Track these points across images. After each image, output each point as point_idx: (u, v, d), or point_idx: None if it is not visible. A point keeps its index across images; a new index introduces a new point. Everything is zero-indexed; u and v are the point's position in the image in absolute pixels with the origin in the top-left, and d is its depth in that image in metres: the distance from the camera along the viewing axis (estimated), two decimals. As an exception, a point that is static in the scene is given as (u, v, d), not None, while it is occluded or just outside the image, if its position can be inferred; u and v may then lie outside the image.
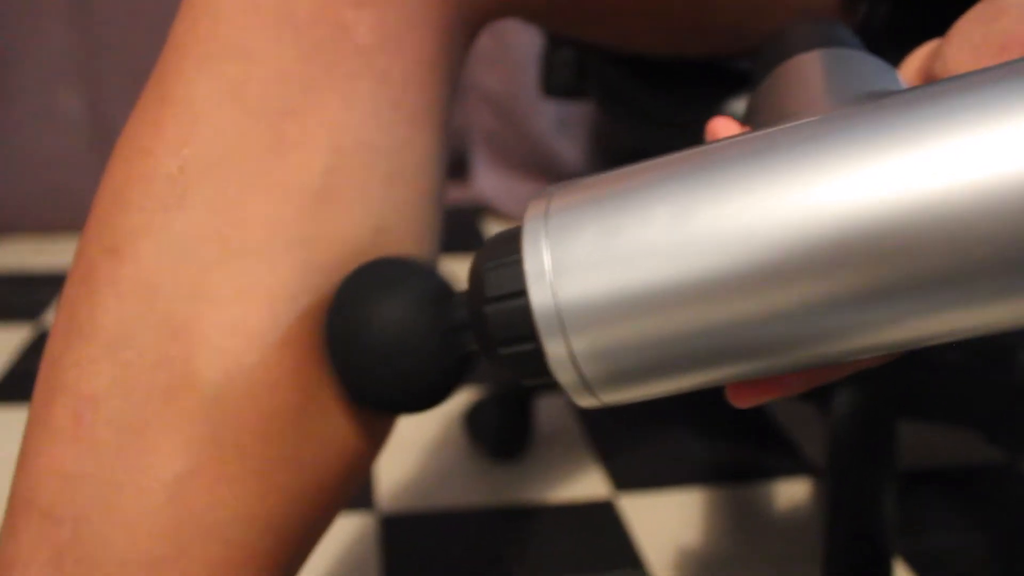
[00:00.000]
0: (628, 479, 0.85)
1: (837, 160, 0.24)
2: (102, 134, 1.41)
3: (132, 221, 0.33)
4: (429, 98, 0.37)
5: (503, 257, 0.28)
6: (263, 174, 0.33)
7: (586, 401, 0.28)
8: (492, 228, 1.51)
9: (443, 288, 0.33)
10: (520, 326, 0.27)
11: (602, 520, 0.79)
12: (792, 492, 0.83)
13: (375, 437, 0.36)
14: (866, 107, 0.25)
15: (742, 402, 0.28)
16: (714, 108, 0.59)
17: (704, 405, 0.97)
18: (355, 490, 0.37)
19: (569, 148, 1.48)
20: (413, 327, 0.31)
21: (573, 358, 0.26)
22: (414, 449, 0.89)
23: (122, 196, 0.34)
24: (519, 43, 1.42)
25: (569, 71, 0.80)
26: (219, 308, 0.32)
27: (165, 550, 0.32)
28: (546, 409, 0.96)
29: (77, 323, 0.33)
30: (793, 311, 0.25)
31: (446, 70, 0.39)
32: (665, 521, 0.79)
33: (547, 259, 0.26)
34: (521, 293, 0.27)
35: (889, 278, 0.24)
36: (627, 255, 0.26)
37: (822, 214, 0.24)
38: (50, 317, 1.19)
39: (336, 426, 0.34)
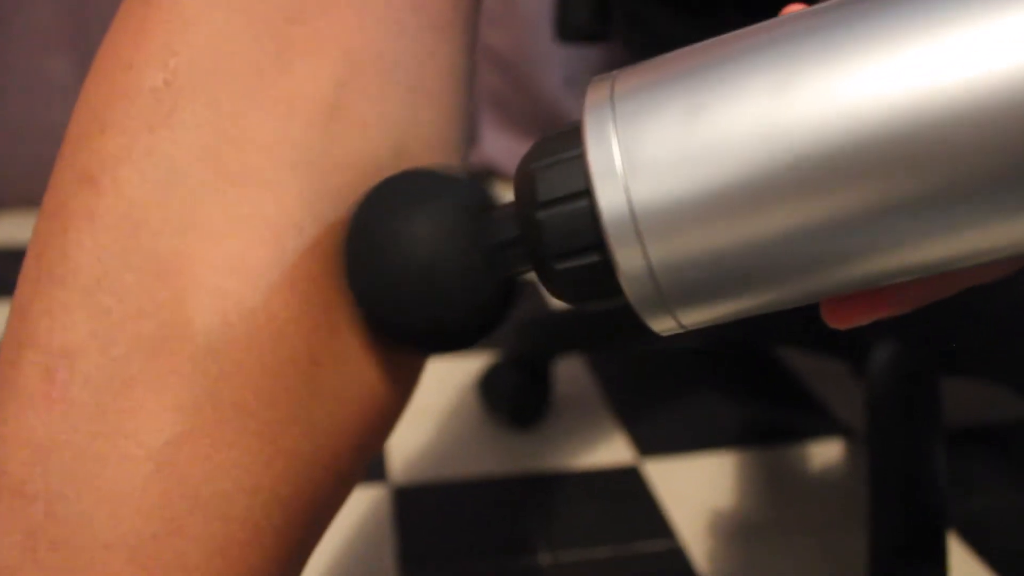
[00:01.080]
0: (653, 444, 0.81)
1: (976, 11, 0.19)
2: (93, 100, 1.36)
3: (111, 144, 0.28)
4: (454, 4, 0.32)
5: (558, 153, 0.23)
6: (264, 87, 0.29)
7: (661, 324, 0.23)
8: (499, 192, 1.47)
9: (484, 200, 0.28)
10: (582, 233, 0.23)
11: (627, 487, 0.75)
12: (825, 454, 0.80)
13: (398, 392, 0.32)
14: None
15: (841, 322, 0.24)
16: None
17: (726, 364, 0.94)
18: (374, 454, 0.33)
19: (577, 108, 1.44)
20: (451, 244, 0.26)
21: (650, 270, 0.22)
22: (427, 417, 0.85)
23: (100, 116, 0.29)
24: (525, 1, 1.37)
25: (587, 12, 0.75)
26: (214, 243, 0.28)
27: (155, 528, 0.27)
28: (564, 372, 0.92)
29: (48, 265, 0.28)
30: (923, 198, 0.20)
31: None
32: (694, 487, 0.76)
33: (616, 151, 0.22)
34: (582, 194, 0.23)
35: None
36: (717, 139, 0.21)
37: (965, 81, 0.19)
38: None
39: (353, 379, 0.30)
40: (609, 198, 0.22)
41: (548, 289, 0.25)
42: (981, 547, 0.69)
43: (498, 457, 0.79)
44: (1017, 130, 0.19)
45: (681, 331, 0.24)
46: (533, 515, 0.72)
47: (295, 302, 0.28)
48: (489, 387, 0.84)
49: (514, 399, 0.82)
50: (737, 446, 0.81)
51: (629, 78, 0.23)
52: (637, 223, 0.22)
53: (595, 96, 0.23)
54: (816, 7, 0.22)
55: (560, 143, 0.24)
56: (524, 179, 0.24)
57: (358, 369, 0.30)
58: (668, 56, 0.23)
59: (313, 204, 0.29)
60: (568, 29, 0.75)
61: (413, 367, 0.33)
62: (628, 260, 0.22)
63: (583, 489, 0.75)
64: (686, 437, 0.82)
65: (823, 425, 0.84)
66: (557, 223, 0.23)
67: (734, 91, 0.21)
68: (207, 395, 0.27)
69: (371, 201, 0.28)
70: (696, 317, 0.23)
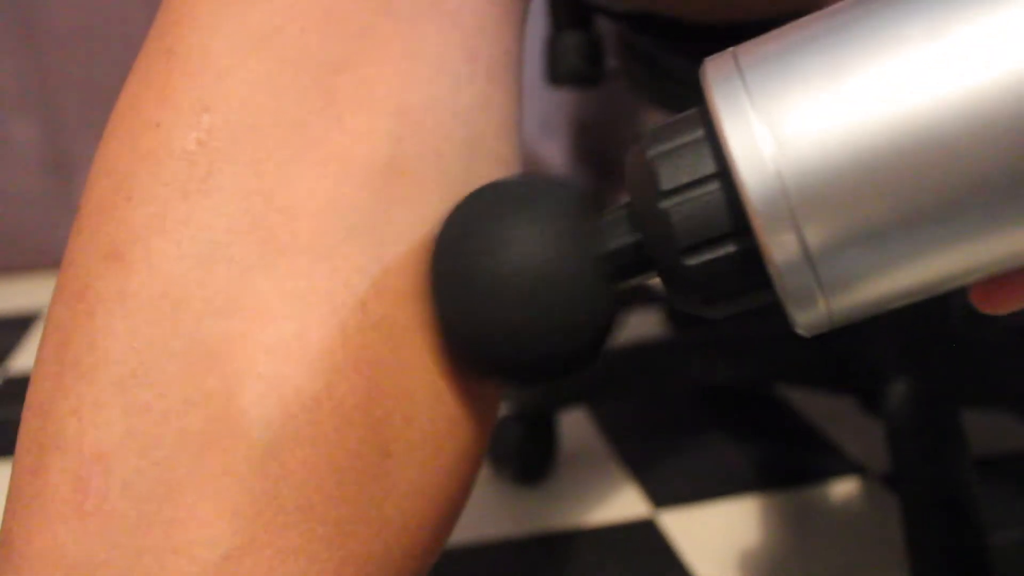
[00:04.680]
0: (666, 494, 0.78)
1: None
2: (59, 167, 1.32)
3: (140, 214, 0.25)
4: (505, 48, 0.30)
5: (677, 138, 0.21)
6: (312, 144, 0.25)
7: (810, 316, 0.21)
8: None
9: (589, 204, 0.25)
10: (716, 221, 0.21)
11: (645, 541, 0.72)
12: (843, 494, 0.78)
13: (470, 472, 0.29)
14: None
15: (996, 306, 0.22)
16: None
17: (732, 406, 0.91)
18: (444, 544, 0.29)
19: (552, 152, 1.42)
20: (560, 252, 0.23)
21: (806, 255, 0.20)
22: (430, 478, 0.81)
23: (124, 184, 0.25)
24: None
25: (579, 56, 0.74)
26: (266, 324, 0.24)
27: None
28: (568, 424, 0.89)
29: (73, 357, 0.25)
30: None
31: (519, 16, 0.31)
32: (714, 537, 0.73)
33: (757, 124, 0.19)
34: (712, 177, 0.21)
35: None
36: (873, 96, 0.18)
37: None
38: (8, 364, 1.10)
39: (426, 468, 0.26)
40: (756, 176, 0.19)
41: (675, 293, 0.22)
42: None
43: (506, 517, 0.76)
44: None
45: (827, 328, 0.22)
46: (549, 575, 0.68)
47: (362, 387, 0.25)
48: (494, 442, 0.80)
49: (519, 454, 0.79)
50: (752, 491, 0.79)
51: (754, 48, 0.21)
52: (791, 203, 0.19)
53: (718, 72, 0.21)
54: None
55: (676, 129, 0.21)
56: (640, 171, 0.22)
57: (432, 456, 0.27)
58: (793, 23, 0.21)
59: (375, 276, 0.26)
60: (561, 73, 0.73)
61: (483, 439, 0.29)
62: (781, 245, 0.20)
63: (599, 546, 0.72)
64: (699, 485, 0.80)
65: (836, 464, 0.82)
66: (685, 212, 0.21)
67: (883, 40, 0.19)
68: (268, 498, 0.24)
69: (465, 209, 0.25)
70: (850, 305, 0.21)
